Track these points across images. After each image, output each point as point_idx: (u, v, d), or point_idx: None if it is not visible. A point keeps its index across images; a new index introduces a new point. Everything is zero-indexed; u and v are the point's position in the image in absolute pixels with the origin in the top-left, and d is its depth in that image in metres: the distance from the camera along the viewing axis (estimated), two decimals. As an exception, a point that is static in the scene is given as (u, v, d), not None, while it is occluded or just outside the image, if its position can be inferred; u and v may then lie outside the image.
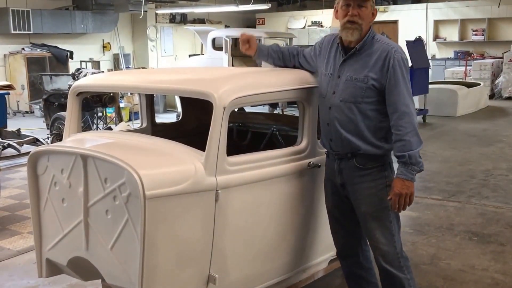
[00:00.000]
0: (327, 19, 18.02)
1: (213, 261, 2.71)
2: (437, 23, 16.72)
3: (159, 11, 16.01)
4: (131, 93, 10.12)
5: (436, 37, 16.75)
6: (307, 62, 3.15)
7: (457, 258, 4.24)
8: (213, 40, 12.68)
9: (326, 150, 3.02)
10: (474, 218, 5.18)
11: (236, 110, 3.95)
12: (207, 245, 2.68)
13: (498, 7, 15.22)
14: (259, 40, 12.12)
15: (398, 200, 2.70)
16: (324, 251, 3.46)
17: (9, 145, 7.56)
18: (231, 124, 3.98)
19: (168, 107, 12.93)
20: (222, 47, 12.29)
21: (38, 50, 13.54)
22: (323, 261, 3.49)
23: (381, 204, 2.82)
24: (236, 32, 13.61)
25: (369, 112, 2.78)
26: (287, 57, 3.22)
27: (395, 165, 2.83)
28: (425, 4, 16.67)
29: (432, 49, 16.71)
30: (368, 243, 3.02)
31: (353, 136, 2.81)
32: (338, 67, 2.87)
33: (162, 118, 11.06)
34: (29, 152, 2.96)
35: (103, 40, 15.45)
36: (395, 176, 2.76)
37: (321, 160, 3.16)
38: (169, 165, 2.61)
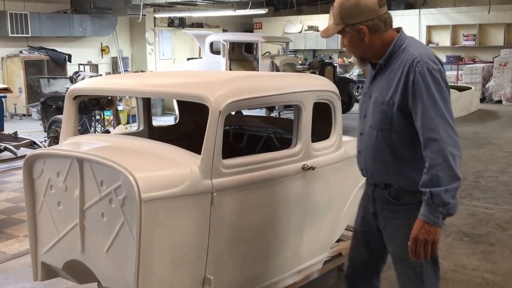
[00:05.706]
0: (323, 24, 18.03)
1: (208, 263, 2.72)
2: (429, 28, 16.77)
3: (158, 15, 16.02)
4: (129, 96, 10.12)
5: (428, 42, 16.79)
6: None
7: (449, 258, 4.28)
8: (211, 44, 12.72)
9: None
10: (465, 218, 5.23)
11: (233, 113, 3.97)
12: (202, 247, 2.69)
13: (488, 13, 15.33)
14: (256, 44, 12.18)
15: (415, 247, 2.23)
16: (319, 252, 3.47)
17: (5, 148, 7.54)
18: (228, 127, 3.99)
19: (167, 110, 12.93)
20: (220, 51, 12.33)
21: (36, 53, 13.53)
22: (318, 262, 3.50)
23: None
24: (233, 36, 13.66)
25: (400, 142, 2.31)
26: None
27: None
28: (418, 10, 16.75)
29: (424, 54, 16.79)
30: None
31: (383, 170, 2.38)
32: (369, 84, 2.45)
33: (160, 121, 11.07)
34: (26, 155, 2.96)
35: (101, 43, 15.46)
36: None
37: (316, 163, 3.17)
38: (164, 168, 2.62)
